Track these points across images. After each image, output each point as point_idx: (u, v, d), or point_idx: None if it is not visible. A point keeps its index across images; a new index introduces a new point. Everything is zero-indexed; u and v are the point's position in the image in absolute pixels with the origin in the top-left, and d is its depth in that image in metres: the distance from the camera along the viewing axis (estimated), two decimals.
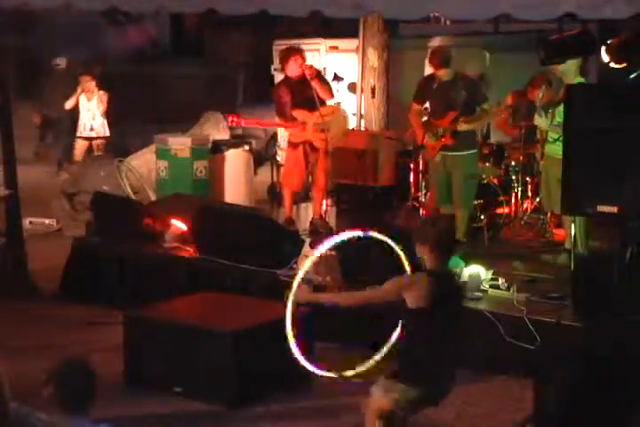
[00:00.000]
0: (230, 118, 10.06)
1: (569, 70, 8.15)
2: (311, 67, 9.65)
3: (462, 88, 8.85)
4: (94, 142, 13.72)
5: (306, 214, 10.54)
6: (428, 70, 11.24)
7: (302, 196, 10.67)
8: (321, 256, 6.33)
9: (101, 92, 13.65)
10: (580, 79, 8.24)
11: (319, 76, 9.73)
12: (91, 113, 13.64)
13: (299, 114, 9.55)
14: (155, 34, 19.92)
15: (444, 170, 9.04)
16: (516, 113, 10.20)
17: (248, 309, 7.03)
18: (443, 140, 8.90)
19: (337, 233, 5.59)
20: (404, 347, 5.27)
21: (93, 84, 13.63)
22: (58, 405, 3.87)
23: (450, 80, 8.90)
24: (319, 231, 9.40)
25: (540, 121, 8.61)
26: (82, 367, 3.99)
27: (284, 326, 5.39)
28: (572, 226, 7.82)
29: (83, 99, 13.68)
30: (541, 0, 5.81)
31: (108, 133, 13.78)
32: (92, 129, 13.69)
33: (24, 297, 8.69)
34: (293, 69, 9.51)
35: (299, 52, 9.68)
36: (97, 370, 4.07)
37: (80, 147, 13.73)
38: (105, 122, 13.70)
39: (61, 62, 15.91)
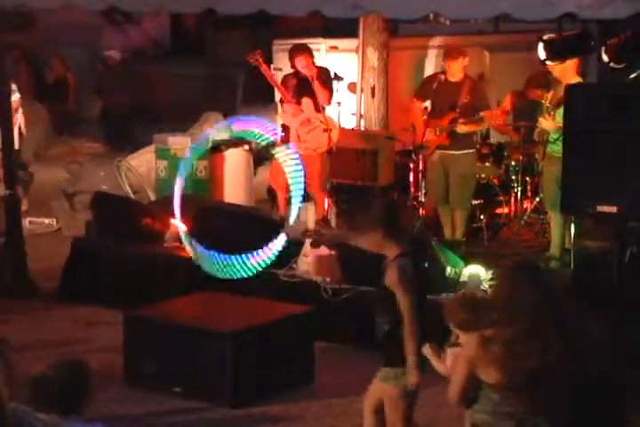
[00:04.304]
0: (253, 57, 9.66)
1: (567, 70, 8.15)
2: (312, 69, 9.63)
3: (467, 91, 8.86)
4: None
5: (305, 215, 10.50)
6: (429, 70, 11.22)
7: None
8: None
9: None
10: (578, 79, 8.23)
11: (321, 80, 9.67)
12: None
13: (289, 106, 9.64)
14: (155, 34, 19.88)
15: (441, 169, 9.07)
16: (516, 113, 10.17)
17: (248, 309, 7.03)
18: (439, 138, 8.93)
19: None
20: (389, 332, 5.04)
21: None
22: (42, 406, 3.84)
23: (457, 82, 8.92)
24: (320, 232, 9.36)
25: (548, 125, 8.49)
26: (70, 369, 3.96)
27: (284, 327, 5.37)
28: (572, 226, 7.81)
29: None
30: (541, 0, 5.81)
31: (17, 147, 11.92)
32: None
33: (24, 297, 8.70)
34: (299, 67, 9.62)
35: (304, 52, 9.64)
36: (96, 370, 4.06)
37: None
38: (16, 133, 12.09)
39: (115, 55, 15.41)
